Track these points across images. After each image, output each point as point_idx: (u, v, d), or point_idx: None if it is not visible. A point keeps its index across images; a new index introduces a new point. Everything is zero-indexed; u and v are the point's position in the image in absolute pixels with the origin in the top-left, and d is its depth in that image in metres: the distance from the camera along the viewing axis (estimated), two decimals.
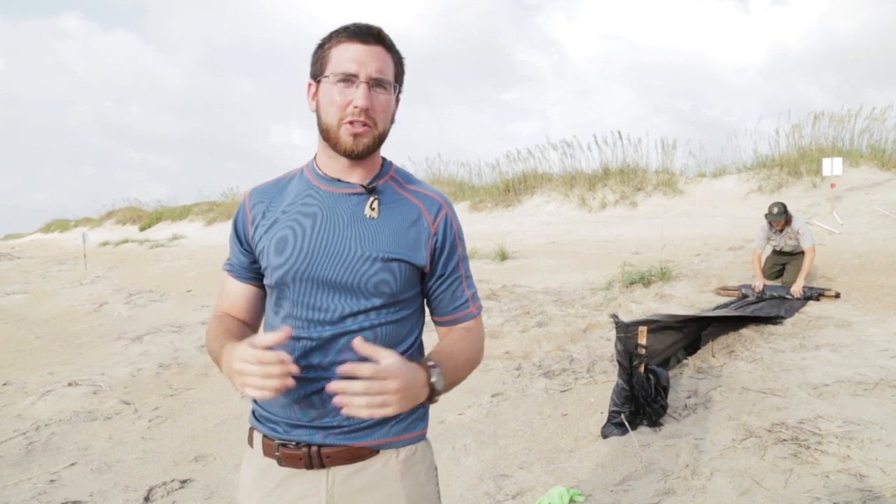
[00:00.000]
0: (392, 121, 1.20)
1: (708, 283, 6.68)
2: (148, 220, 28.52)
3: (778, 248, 6.48)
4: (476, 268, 9.13)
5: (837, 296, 5.70)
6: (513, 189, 16.26)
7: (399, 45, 1.19)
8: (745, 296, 6.11)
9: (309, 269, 1.15)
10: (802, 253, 6.18)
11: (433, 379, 1.10)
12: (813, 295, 5.73)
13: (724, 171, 13.85)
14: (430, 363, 1.11)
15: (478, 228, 13.59)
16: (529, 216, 14.65)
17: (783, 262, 6.49)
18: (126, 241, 22.75)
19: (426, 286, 1.26)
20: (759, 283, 6.08)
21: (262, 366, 0.98)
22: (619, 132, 15.21)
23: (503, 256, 9.70)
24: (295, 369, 1.01)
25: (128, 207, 32.19)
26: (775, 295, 5.94)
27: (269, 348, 1.01)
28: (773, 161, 13.01)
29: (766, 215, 6.17)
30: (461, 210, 16.24)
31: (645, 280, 6.92)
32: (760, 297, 5.94)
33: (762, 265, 6.42)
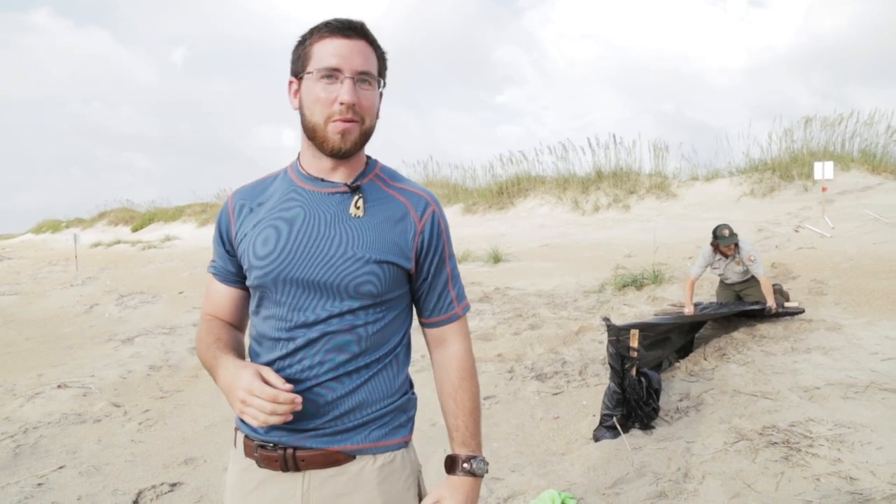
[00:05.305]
0: (377, 116, 1.18)
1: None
2: (140, 221, 28.32)
3: (724, 279, 5.68)
4: (469, 270, 9.13)
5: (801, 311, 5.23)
6: (506, 192, 16.27)
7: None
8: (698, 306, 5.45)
9: (291, 269, 1.12)
10: (752, 279, 5.49)
11: (478, 472, 1.19)
12: (779, 310, 5.19)
13: (716, 174, 13.92)
14: (464, 458, 1.19)
15: (471, 231, 13.59)
16: (523, 219, 14.66)
17: (737, 290, 5.66)
18: (118, 242, 22.61)
19: (413, 286, 1.24)
20: (689, 309, 5.28)
21: (273, 404, 1.00)
22: (613, 135, 15.33)
23: (496, 259, 9.70)
24: (299, 407, 1.03)
25: (120, 208, 31.94)
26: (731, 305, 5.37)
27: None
28: (764, 165, 13.09)
29: (720, 239, 5.31)
30: (455, 212, 16.25)
31: (637, 283, 6.94)
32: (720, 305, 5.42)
33: (692, 294, 5.49)
